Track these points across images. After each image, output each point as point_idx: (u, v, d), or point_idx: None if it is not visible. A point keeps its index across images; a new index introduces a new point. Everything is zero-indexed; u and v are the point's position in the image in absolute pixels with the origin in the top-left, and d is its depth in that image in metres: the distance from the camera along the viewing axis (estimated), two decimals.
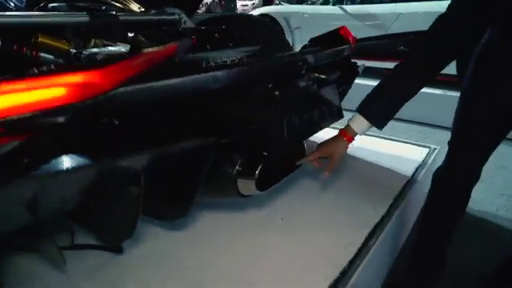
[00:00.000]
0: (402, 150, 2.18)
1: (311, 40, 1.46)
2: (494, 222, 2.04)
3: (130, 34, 1.41)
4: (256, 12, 5.81)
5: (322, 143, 1.26)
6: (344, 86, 1.49)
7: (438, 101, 3.48)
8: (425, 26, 1.15)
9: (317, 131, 1.29)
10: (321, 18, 4.61)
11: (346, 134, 1.21)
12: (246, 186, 1.16)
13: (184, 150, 0.89)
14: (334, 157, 1.22)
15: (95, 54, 1.16)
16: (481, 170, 1.30)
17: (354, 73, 1.54)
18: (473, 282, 1.57)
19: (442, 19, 1.10)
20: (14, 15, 1.35)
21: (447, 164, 1.32)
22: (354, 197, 1.66)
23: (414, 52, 1.18)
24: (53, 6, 1.58)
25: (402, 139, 2.37)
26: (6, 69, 0.67)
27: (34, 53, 1.29)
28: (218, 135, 0.93)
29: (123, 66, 0.69)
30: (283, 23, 4.94)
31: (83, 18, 1.45)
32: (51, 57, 1.29)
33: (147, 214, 1.10)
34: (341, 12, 4.46)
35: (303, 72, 1.14)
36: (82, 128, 0.69)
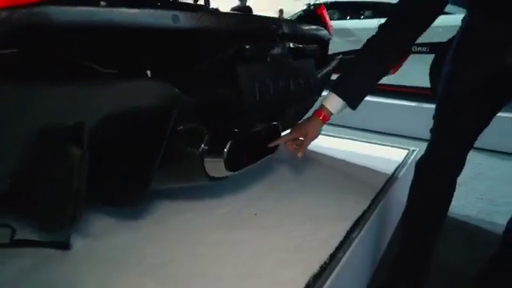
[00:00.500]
0: (382, 152, 2.12)
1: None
2: (475, 225, 2.00)
3: None
4: None
5: (296, 125, 1.18)
6: (321, 68, 1.40)
7: (413, 113, 3.51)
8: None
9: (293, 104, 1.17)
10: None
11: (321, 114, 1.15)
12: (215, 167, 1.03)
13: (133, 107, 0.74)
14: (309, 135, 1.14)
15: None
16: (465, 156, 1.22)
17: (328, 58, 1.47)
18: (459, 283, 1.49)
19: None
20: None
21: (430, 151, 1.24)
22: (334, 192, 1.56)
23: (379, 30, 1.12)
24: None
25: (382, 142, 2.32)
26: None
27: None
28: (184, 88, 0.79)
29: None
30: None
31: None
32: None
33: (93, 200, 0.94)
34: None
35: (278, 37, 1.04)
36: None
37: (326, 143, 2.12)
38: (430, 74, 3.80)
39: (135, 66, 0.74)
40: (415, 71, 3.77)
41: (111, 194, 0.96)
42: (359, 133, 3.44)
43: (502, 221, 1.35)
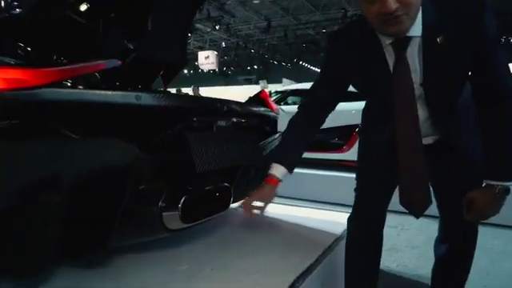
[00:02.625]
0: (330, 216, 2.31)
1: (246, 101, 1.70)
2: (426, 284, 2.11)
3: None
4: None
5: (254, 192, 1.40)
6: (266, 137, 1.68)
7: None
8: None
9: (233, 163, 1.41)
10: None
11: (272, 180, 1.38)
12: (171, 219, 1.21)
13: (102, 165, 0.95)
14: (266, 198, 1.37)
15: None
16: (384, 211, 1.46)
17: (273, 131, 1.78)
18: None
19: (314, 87, 1.45)
20: None
21: (355, 208, 1.49)
22: (284, 249, 1.71)
23: (298, 111, 1.46)
24: None
25: (331, 208, 2.53)
26: None
27: None
28: (143, 149, 1.01)
29: (54, 70, 0.81)
30: None
31: None
32: None
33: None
34: (280, 112, 5.00)
35: (223, 113, 1.31)
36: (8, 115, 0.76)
37: (279, 210, 2.31)
38: None
39: (107, 131, 0.97)
40: None
41: (73, 244, 1.08)
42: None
43: None
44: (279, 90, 6.49)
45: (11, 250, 0.97)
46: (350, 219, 1.49)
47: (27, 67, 0.78)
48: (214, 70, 20.42)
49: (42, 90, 0.78)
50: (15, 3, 2.21)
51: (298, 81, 18.23)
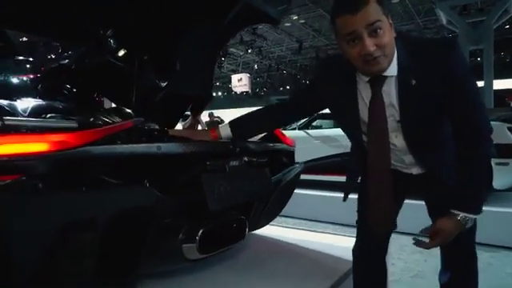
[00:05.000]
0: (346, 242, 2.35)
1: (260, 139, 1.86)
2: None
3: None
4: None
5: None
6: (280, 170, 1.81)
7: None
8: None
9: (247, 199, 1.55)
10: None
11: (214, 132, 1.54)
12: (190, 251, 1.37)
13: (137, 202, 1.14)
14: (197, 137, 1.52)
15: None
16: (386, 242, 1.53)
17: (290, 163, 1.91)
18: None
19: (295, 94, 1.63)
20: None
21: (357, 240, 1.57)
22: (297, 281, 1.78)
23: (276, 104, 1.64)
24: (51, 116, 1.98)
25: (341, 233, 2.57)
26: None
27: None
28: (165, 191, 1.18)
29: (90, 132, 1.02)
30: None
31: (71, 124, 1.83)
32: None
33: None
34: (305, 135, 5.12)
35: (235, 154, 1.48)
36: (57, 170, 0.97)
37: (290, 235, 2.41)
38: None
39: (134, 179, 1.17)
40: None
41: (107, 271, 1.26)
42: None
43: None
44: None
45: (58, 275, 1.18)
46: (354, 251, 1.57)
47: (70, 131, 0.99)
48: (246, 92, 20.90)
49: (82, 149, 0.99)
50: (65, 54, 2.55)
51: None
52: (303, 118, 1.74)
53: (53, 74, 2.63)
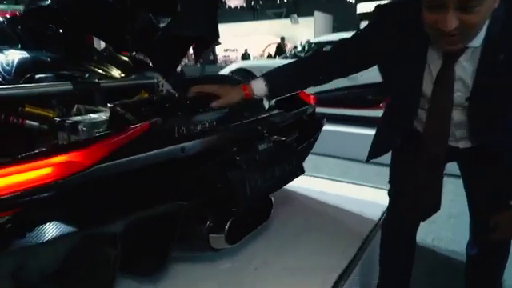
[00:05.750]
0: (369, 194, 2.31)
1: (276, 101, 1.63)
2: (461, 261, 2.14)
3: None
4: (233, 66, 6.12)
5: (222, 86, 1.33)
6: (307, 140, 1.65)
7: None
8: None
9: (279, 188, 1.42)
10: None
11: (246, 89, 1.29)
12: (217, 241, 1.27)
13: (157, 214, 1.01)
14: (225, 97, 1.29)
15: (78, 122, 1.29)
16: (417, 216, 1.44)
17: (317, 127, 1.72)
18: None
19: (344, 43, 1.32)
20: (2, 88, 1.48)
21: (389, 214, 1.48)
22: (322, 241, 1.76)
23: (318, 54, 1.38)
24: (39, 77, 1.72)
25: (369, 184, 2.51)
26: None
27: (21, 121, 1.42)
28: (188, 197, 1.05)
29: (100, 145, 0.82)
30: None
31: (67, 86, 1.60)
32: (36, 124, 1.43)
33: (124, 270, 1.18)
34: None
35: (263, 136, 1.29)
36: (65, 198, 0.80)
37: (313, 184, 2.35)
38: None
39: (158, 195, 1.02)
40: None
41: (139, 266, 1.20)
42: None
43: None
44: (313, 41, 6.09)
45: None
46: (384, 226, 1.50)
47: (78, 149, 0.79)
48: (241, 6, 19.44)
49: (96, 168, 0.81)
50: None
51: (332, 13, 17.19)
52: (342, 76, 1.35)
53: (33, 12, 2.27)
